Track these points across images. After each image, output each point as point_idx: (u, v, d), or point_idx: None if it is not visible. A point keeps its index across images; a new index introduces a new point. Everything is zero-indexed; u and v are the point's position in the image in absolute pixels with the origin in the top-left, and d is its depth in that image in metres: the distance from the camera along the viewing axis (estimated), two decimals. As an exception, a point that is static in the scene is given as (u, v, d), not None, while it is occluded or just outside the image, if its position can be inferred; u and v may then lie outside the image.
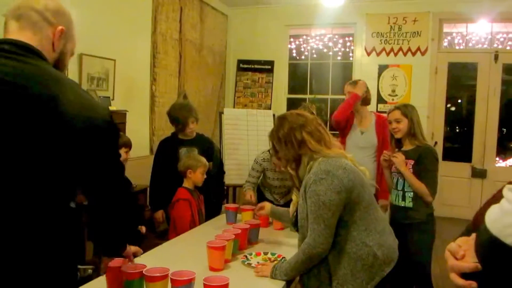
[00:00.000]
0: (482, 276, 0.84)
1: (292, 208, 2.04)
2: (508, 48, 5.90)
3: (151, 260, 1.87)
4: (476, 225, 1.05)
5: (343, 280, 1.76)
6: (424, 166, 2.60)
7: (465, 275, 0.87)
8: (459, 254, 0.90)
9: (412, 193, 2.61)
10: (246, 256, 2.12)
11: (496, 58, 5.78)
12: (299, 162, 1.89)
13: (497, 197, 0.90)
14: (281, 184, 3.21)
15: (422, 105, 5.79)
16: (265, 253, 2.18)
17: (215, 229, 2.55)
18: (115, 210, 1.21)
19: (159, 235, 3.22)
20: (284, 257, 2.09)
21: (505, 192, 0.82)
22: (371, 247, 1.76)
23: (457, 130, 6.45)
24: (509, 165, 6.20)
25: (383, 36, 6.03)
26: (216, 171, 3.33)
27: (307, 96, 6.43)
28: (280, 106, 6.27)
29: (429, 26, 5.86)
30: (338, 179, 1.73)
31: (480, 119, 5.89)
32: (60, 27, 1.19)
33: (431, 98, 5.94)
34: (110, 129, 1.18)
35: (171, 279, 1.56)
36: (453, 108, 6.31)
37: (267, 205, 2.43)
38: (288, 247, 2.30)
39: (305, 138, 1.86)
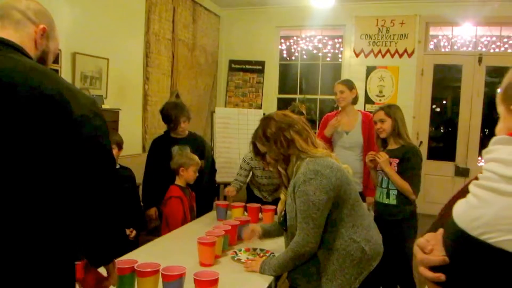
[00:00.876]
0: (450, 268, 0.88)
1: (280, 206, 2.08)
2: (491, 51, 6.06)
3: (142, 255, 1.94)
4: (443, 220, 1.14)
5: (332, 276, 1.81)
6: (408, 165, 2.69)
7: (433, 268, 0.91)
8: (427, 248, 0.93)
9: (396, 190, 2.70)
10: (235, 252, 2.21)
11: (480, 60, 5.93)
12: (288, 161, 1.93)
13: (463, 192, 0.94)
14: (269, 182, 3.30)
15: (408, 105, 5.94)
16: (254, 249, 2.26)
17: (206, 225, 2.64)
18: (103, 211, 1.16)
19: (150, 232, 3.31)
20: (273, 253, 2.19)
21: (471, 187, 0.86)
22: (359, 243, 1.82)
23: (442, 130, 6.60)
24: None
25: (371, 38, 6.15)
26: (208, 169, 3.41)
27: (297, 96, 6.53)
28: (270, 106, 6.38)
29: (416, 29, 5.99)
30: (327, 179, 1.78)
31: (464, 119, 6.05)
32: (42, 26, 1.22)
33: (417, 99, 6.08)
34: (95, 118, 1.14)
35: (162, 274, 1.62)
36: (438, 109, 6.45)
37: (256, 229, 2.28)
38: (276, 243, 2.38)
39: (294, 138, 1.90)
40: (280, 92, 6.67)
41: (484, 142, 6.14)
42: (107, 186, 1.16)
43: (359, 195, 1.97)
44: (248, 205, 2.90)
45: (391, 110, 2.79)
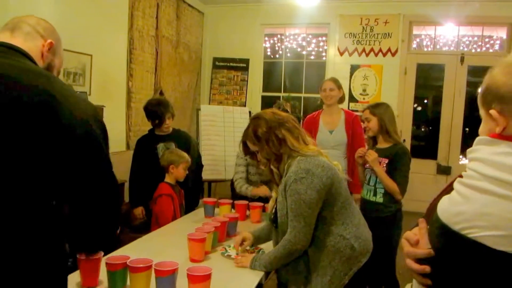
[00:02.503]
0: (435, 261, 0.92)
1: (271, 203, 2.08)
2: (473, 50, 6.17)
3: (132, 252, 1.90)
4: (429, 216, 1.16)
5: (322, 272, 1.82)
6: (398, 165, 2.69)
7: (419, 261, 0.95)
8: (413, 240, 0.98)
9: (383, 189, 2.72)
10: (225, 248, 2.19)
11: (462, 60, 6.04)
12: (279, 160, 1.93)
13: (448, 190, 0.99)
14: (259, 179, 3.28)
15: (391, 104, 5.87)
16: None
17: (194, 222, 2.62)
18: (99, 213, 1.16)
19: (134, 230, 3.26)
20: (262, 249, 2.18)
21: (455, 184, 0.92)
22: (348, 240, 1.83)
23: (424, 129, 6.70)
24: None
25: (355, 37, 6.20)
26: (195, 165, 3.38)
27: (281, 94, 6.54)
28: (255, 104, 6.37)
29: (400, 28, 6.07)
30: (318, 178, 1.78)
31: (446, 118, 6.15)
32: (49, 40, 1.27)
33: (400, 98, 6.15)
34: (101, 129, 1.16)
35: (155, 269, 1.60)
36: (420, 108, 6.55)
37: (248, 237, 2.19)
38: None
39: (285, 136, 1.90)
40: (265, 90, 6.67)
41: (465, 141, 6.26)
42: (103, 187, 1.16)
43: (349, 193, 1.98)
44: (235, 202, 2.88)
45: (376, 109, 2.79)
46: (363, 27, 6.17)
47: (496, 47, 6.20)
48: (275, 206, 2.00)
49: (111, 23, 4.41)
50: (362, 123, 2.88)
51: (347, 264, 1.83)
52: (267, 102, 6.31)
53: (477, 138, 0.92)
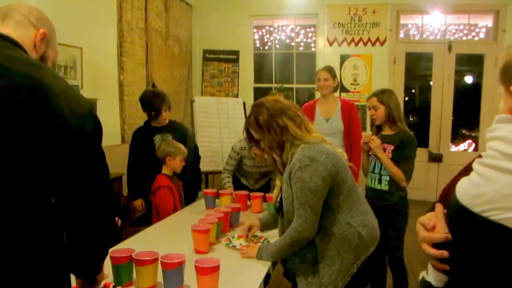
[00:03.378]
0: (453, 245, 0.90)
1: (275, 192, 2.06)
2: (460, 39, 6.24)
3: (135, 245, 1.88)
4: (445, 199, 1.15)
5: (330, 261, 1.81)
6: (404, 153, 2.67)
7: (436, 246, 0.92)
8: (430, 225, 0.95)
9: (388, 176, 2.69)
10: (229, 239, 2.19)
11: (449, 48, 6.09)
12: (282, 148, 1.91)
13: (465, 171, 0.96)
14: (258, 170, 3.28)
15: (382, 93, 6.03)
16: (247, 236, 2.25)
17: (196, 214, 2.61)
18: (92, 221, 1.12)
19: (135, 223, 3.24)
20: (266, 239, 2.18)
21: (474, 165, 0.88)
22: (356, 228, 1.82)
23: (414, 118, 6.77)
24: (462, 150, 6.61)
25: (344, 27, 6.20)
26: (193, 157, 3.36)
27: (273, 85, 6.52)
28: (247, 95, 6.35)
29: (388, 17, 6.09)
30: (322, 165, 1.76)
31: (436, 106, 6.21)
32: (42, 30, 1.22)
33: (391, 87, 6.10)
34: (95, 124, 1.12)
35: (162, 262, 1.58)
36: (410, 96, 6.60)
37: (255, 225, 2.22)
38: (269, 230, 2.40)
39: (287, 124, 1.87)
40: (256, 81, 6.65)
41: (455, 129, 6.35)
42: (95, 182, 1.12)
43: (354, 181, 1.97)
44: (236, 192, 2.88)
45: (384, 96, 2.74)
46: (351, 17, 6.17)
47: (482, 35, 6.27)
48: (280, 195, 2.00)
49: (99, 15, 4.34)
50: (369, 111, 2.83)
51: (355, 252, 1.82)
52: (259, 94, 6.29)
53: (497, 117, 0.88)
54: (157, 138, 3.18)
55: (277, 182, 2.05)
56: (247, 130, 2.04)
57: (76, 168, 1.06)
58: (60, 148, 1.02)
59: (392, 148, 2.70)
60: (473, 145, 6.62)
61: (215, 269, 1.57)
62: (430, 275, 1.08)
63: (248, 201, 2.88)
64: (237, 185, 3.33)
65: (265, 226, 2.24)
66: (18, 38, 1.14)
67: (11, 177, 0.98)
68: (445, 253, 0.90)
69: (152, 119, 3.27)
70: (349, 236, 1.81)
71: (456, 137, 6.61)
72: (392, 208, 2.69)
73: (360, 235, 1.82)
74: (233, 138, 4.20)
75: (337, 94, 3.63)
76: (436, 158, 6.15)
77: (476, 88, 6.31)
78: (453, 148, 6.48)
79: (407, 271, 2.83)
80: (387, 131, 2.79)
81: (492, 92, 6.02)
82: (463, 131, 6.77)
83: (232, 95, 6.39)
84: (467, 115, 6.51)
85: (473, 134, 6.67)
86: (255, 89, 6.57)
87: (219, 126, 4.04)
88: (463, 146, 6.84)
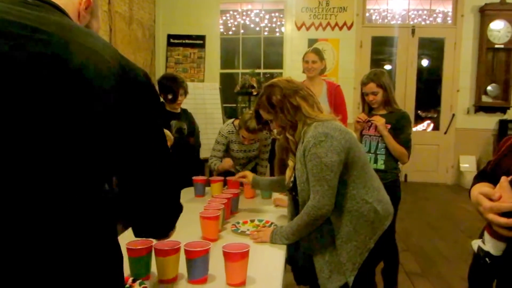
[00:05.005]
0: None
1: (288, 172, 2.04)
2: (423, 23, 6.41)
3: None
4: (497, 169, 1.15)
5: (346, 238, 1.80)
6: (404, 130, 2.69)
7: (504, 214, 0.94)
8: (495, 195, 0.97)
9: (384, 155, 2.70)
10: (235, 225, 2.11)
11: (413, 32, 6.25)
12: (295, 128, 1.90)
13: None
14: (245, 155, 3.21)
15: (349, 77, 6.13)
16: (252, 221, 2.18)
17: (186, 202, 2.49)
18: (158, 191, 1.00)
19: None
20: (273, 222, 2.12)
21: None
22: (371, 204, 1.83)
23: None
24: (421, 130, 6.90)
25: (312, 11, 6.20)
26: (199, 145, 3.30)
27: (240, 71, 6.42)
28: (214, 81, 6.20)
29: (354, 2, 6.14)
30: (337, 141, 1.77)
31: (400, 89, 6.37)
32: None
33: (357, 71, 6.27)
34: (149, 85, 0.97)
35: (186, 251, 1.49)
36: (376, 80, 6.72)
37: (249, 174, 2.40)
38: (268, 213, 2.35)
39: (300, 104, 1.88)
40: (223, 67, 6.51)
41: (417, 113, 6.58)
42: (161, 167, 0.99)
43: (367, 157, 1.99)
44: (228, 178, 2.78)
45: (381, 79, 2.72)
46: (319, 1, 6.17)
47: (439, 20, 6.49)
48: (293, 175, 1.97)
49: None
50: (366, 96, 2.78)
51: (371, 228, 1.83)
52: (226, 79, 6.18)
53: None
54: (174, 124, 3.14)
55: (290, 162, 2.04)
56: (256, 111, 2.02)
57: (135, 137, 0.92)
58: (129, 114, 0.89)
59: (389, 127, 2.70)
60: (432, 125, 6.90)
61: (245, 254, 1.49)
62: (488, 244, 1.10)
63: (240, 186, 2.79)
64: (223, 172, 3.24)
65: (256, 183, 2.42)
66: (63, 4, 1.00)
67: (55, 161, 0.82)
68: None
69: (169, 102, 3.21)
70: (365, 212, 1.82)
71: (417, 118, 6.85)
72: (388, 188, 2.69)
73: (376, 210, 1.84)
74: (209, 124, 4.09)
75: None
76: (400, 140, 6.32)
77: (437, 70, 6.55)
78: (415, 128, 6.74)
79: (398, 248, 2.87)
80: (381, 111, 2.78)
81: (452, 75, 6.26)
82: (423, 112, 7.03)
83: (198, 81, 6.23)
84: (428, 96, 6.75)
85: (432, 115, 6.94)
86: (222, 74, 6.44)
87: (196, 112, 3.89)
88: (422, 126, 7.11)
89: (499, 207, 0.94)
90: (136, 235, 1.05)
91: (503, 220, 0.93)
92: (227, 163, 3.09)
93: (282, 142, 2.06)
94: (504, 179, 0.99)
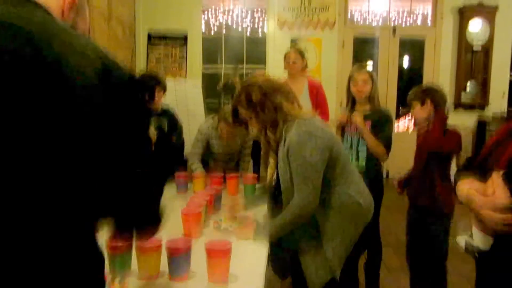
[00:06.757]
0: None
1: (270, 170, 2.04)
2: (403, 25, 6.49)
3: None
4: (487, 164, 1.15)
5: (332, 234, 1.81)
6: (385, 128, 2.68)
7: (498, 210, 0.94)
8: (489, 191, 0.97)
9: (365, 152, 2.69)
10: (217, 222, 2.08)
11: (394, 32, 6.31)
12: (275, 126, 1.87)
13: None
14: (226, 151, 3.17)
15: (331, 76, 6.15)
16: (234, 218, 2.15)
17: (168, 199, 2.44)
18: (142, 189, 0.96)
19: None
20: (256, 220, 2.10)
21: None
22: (354, 197, 1.84)
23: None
24: (402, 128, 6.98)
25: (294, 11, 6.19)
26: (181, 143, 3.25)
27: (223, 70, 6.37)
28: (196, 79, 6.13)
29: (336, 1, 6.17)
30: (320, 139, 1.77)
31: (382, 89, 6.38)
32: None
33: (339, 70, 6.29)
34: (134, 85, 0.94)
35: (168, 248, 1.46)
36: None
37: (238, 201, 2.19)
38: (251, 209, 2.29)
39: (281, 102, 1.85)
40: (205, 63, 6.44)
41: (399, 111, 6.65)
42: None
43: (347, 152, 1.98)
44: (210, 175, 2.75)
45: (373, 73, 2.73)
46: (301, 1, 6.17)
47: (419, 21, 6.57)
48: (275, 173, 1.95)
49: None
50: (355, 85, 2.73)
51: (355, 221, 1.85)
52: (208, 78, 6.13)
53: None
54: (153, 121, 3.07)
55: (271, 161, 2.02)
56: (234, 109, 1.97)
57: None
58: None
59: (369, 124, 2.69)
60: (412, 124, 6.97)
61: (228, 251, 1.46)
62: (477, 239, 1.09)
63: (223, 182, 2.76)
64: (206, 168, 3.21)
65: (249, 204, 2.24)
66: (44, 2, 0.95)
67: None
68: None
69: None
70: (349, 206, 1.84)
71: (398, 116, 6.93)
72: (370, 183, 2.69)
73: (358, 203, 1.86)
74: (191, 121, 4.04)
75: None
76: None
77: (418, 70, 6.64)
78: (396, 125, 6.82)
79: (381, 244, 2.88)
80: (363, 108, 2.77)
81: (432, 74, 6.34)
82: (404, 109, 7.10)
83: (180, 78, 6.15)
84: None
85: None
86: (204, 74, 6.38)
87: (177, 109, 3.83)
88: (403, 123, 7.18)
89: (493, 203, 0.95)
90: (115, 236, 1.01)
91: (497, 215, 0.94)
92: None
93: (239, 142, 2.03)
94: (496, 175, 0.99)
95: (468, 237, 1.12)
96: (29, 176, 0.77)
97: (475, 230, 1.10)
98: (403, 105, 6.83)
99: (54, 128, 0.78)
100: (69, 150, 0.80)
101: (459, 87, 6.28)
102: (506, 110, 6.40)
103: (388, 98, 6.39)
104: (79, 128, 0.80)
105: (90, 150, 0.82)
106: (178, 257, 1.46)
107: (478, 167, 1.16)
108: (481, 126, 6.24)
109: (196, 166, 3.07)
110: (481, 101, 6.34)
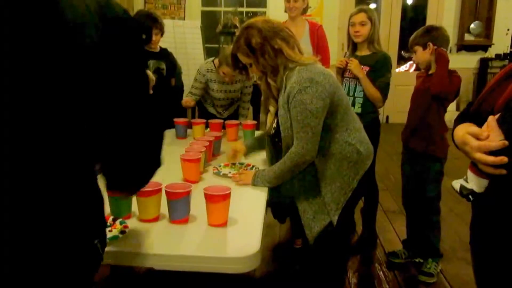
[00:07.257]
0: (510, 151, 0.93)
1: (270, 118, 2.01)
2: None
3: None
4: (483, 108, 1.15)
5: (330, 180, 1.83)
6: (381, 73, 2.64)
7: (491, 153, 0.95)
8: (483, 135, 0.97)
9: (361, 99, 2.67)
10: (216, 168, 2.11)
11: (399, -31, 6.06)
12: (276, 72, 1.83)
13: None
14: (225, 96, 3.13)
15: (333, 16, 5.97)
16: (233, 164, 2.18)
17: (167, 144, 2.46)
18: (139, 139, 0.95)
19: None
20: (255, 166, 2.13)
21: None
22: (354, 145, 1.84)
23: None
24: (404, 70, 6.90)
25: None
26: (180, 85, 3.22)
27: (222, 9, 6.17)
28: (195, 19, 5.97)
29: None
30: (322, 86, 1.73)
31: (384, 29, 6.27)
32: None
33: (342, 10, 6.10)
34: (129, 23, 0.90)
35: (167, 192, 1.49)
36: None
37: (240, 149, 2.18)
38: (250, 156, 2.31)
39: (282, 46, 1.79)
40: (204, 4, 6.24)
41: (401, 54, 6.56)
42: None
43: (348, 99, 1.98)
44: (210, 121, 2.74)
45: (373, 13, 2.64)
46: None
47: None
48: (275, 120, 1.94)
49: None
50: (352, 27, 2.68)
51: (354, 168, 1.86)
52: (207, 18, 5.96)
53: None
54: (151, 63, 3.03)
55: (271, 108, 1.99)
56: (234, 55, 1.92)
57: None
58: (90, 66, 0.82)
59: (368, 69, 2.66)
60: (414, 66, 6.87)
61: (227, 196, 1.50)
62: (472, 182, 1.12)
63: (222, 129, 2.76)
64: (205, 115, 3.20)
65: (252, 149, 2.23)
66: None
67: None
68: (505, 159, 0.93)
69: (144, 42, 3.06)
70: (348, 154, 1.84)
71: (400, 59, 6.82)
72: (366, 129, 2.70)
73: (358, 151, 1.86)
74: (190, 64, 3.98)
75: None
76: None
77: (421, 9, 6.44)
78: (398, 69, 6.74)
79: (378, 187, 2.94)
80: (363, 52, 2.73)
81: (436, 13, 6.16)
82: (406, 53, 6.98)
83: (179, 19, 5.98)
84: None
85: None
86: (203, 12, 6.19)
87: (176, 52, 3.76)
88: (404, 67, 7.09)
89: (488, 146, 0.96)
90: (108, 188, 1.00)
91: (490, 158, 0.95)
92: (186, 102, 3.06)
93: (238, 88, 1.99)
94: (491, 118, 0.99)
95: (463, 181, 1.15)
96: (26, 114, 0.76)
97: (470, 174, 1.13)
98: (405, 47, 6.71)
99: (46, 64, 0.76)
100: (64, 88, 0.78)
101: (463, 28, 6.12)
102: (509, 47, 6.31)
103: (390, 39, 6.27)
104: (72, 65, 0.78)
105: (85, 88, 0.80)
106: (178, 201, 1.49)
107: (476, 111, 1.17)
108: (484, 65, 6.16)
109: (188, 96, 3.10)
110: (484, 41, 6.21)
